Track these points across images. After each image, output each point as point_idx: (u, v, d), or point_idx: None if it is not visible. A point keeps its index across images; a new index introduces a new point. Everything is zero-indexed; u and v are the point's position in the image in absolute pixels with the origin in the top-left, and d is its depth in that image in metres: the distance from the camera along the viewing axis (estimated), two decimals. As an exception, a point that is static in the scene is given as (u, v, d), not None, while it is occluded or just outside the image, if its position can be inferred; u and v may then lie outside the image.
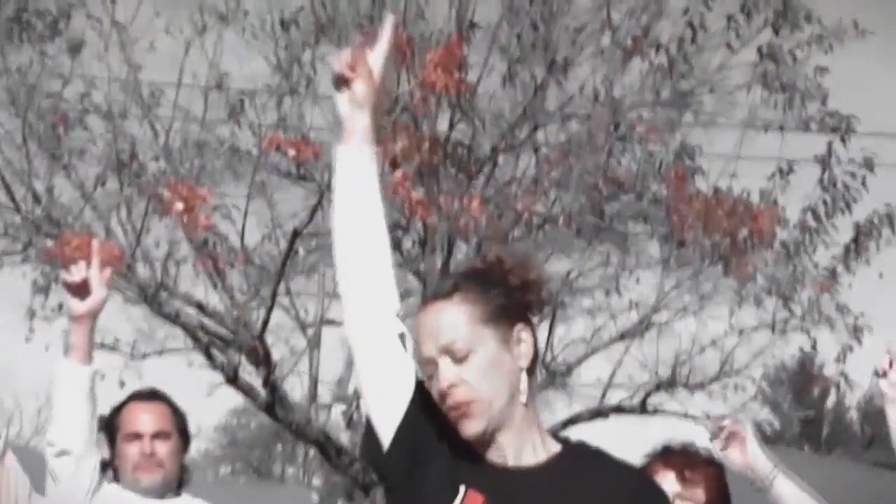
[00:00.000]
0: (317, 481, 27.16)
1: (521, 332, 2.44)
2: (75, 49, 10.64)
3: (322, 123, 11.11)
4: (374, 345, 2.39)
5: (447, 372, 2.37)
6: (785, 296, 10.96)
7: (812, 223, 10.91)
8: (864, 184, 11.06)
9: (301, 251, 11.20)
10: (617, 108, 10.73)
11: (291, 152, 10.92)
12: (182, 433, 3.81)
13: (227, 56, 11.18)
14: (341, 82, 2.42)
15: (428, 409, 2.40)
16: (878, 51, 10.81)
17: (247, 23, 11.15)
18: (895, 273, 11.25)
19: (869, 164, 11.01)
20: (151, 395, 3.85)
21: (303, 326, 11.73)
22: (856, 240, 11.18)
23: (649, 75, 10.60)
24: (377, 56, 2.46)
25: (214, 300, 10.93)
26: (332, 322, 11.42)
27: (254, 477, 31.87)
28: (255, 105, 11.16)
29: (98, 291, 3.44)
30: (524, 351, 2.44)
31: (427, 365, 2.41)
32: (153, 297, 10.75)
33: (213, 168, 11.23)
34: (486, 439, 2.39)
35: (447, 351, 2.38)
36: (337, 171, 2.44)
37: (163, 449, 3.72)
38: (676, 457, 3.36)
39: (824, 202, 10.89)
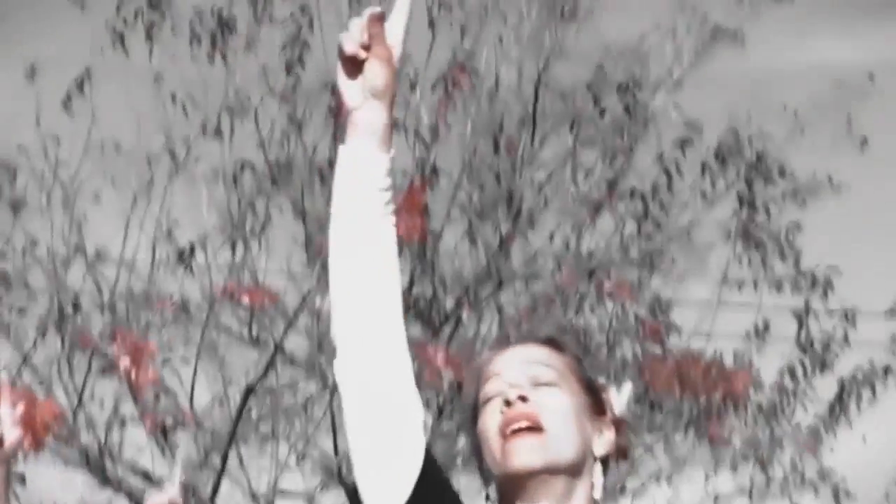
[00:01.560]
0: None
1: (605, 428, 2.11)
2: (18, 208, 10.34)
3: (277, 272, 10.78)
4: (381, 426, 1.99)
5: (524, 384, 2.04)
6: (763, 460, 10.62)
7: (790, 385, 10.63)
8: (845, 339, 10.82)
9: (254, 413, 10.79)
10: (585, 265, 10.46)
11: (245, 300, 10.58)
12: None
13: (176, 203, 10.86)
14: (352, 64, 2.00)
15: (439, 483, 2.04)
16: (853, 204, 10.66)
17: (198, 170, 10.82)
18: (878, 436, 10.95)
19: (850, 320, 10.79)
20: None
21: (254, 497, 11.25)
22: (839, 397, 10.89)
23: (616, 233, 10.36)
24: (396, 30, 2.04)
25: (161, 468, 10.48)
26: (285, 492, 10.96)
27: None
28: (207, 253, 10.83)
29: (10, 433, 3.21)
30: (603, 441, 2.09)
31: (495, 397, 2.06)
32: (96, 464, 10.33)
33: (161, 322, 10.86)
34: (527, 494, 2.00)
35: (531, 378, 2.06)
36: (338, 183, 2.04)
37: None
38: None
39: (801, 363, 10.63)
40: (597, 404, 2.09)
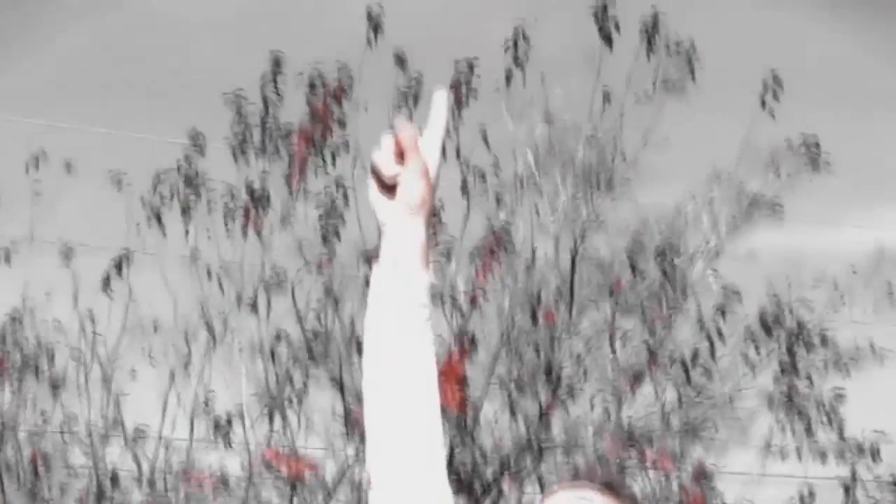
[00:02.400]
0: None
1: None
2: (57, 386, 10.46)
3: (315, 445, 10.80)
4: None
5: None
6: None
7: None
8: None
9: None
10: (626, 434, 10.43)
11: (283, 473, 10.61)
12: None
13: (214, 377, 10.94)
14: (385, 180, 1.89)
15: None
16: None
17: (234, 343, 10.88)
18: None
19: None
20: None
21: None
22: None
23: (657, 401, 10.33)
24: (432, 143, 1.93)
25: None
26: None
27: None
28: (245, 426, 10.85)
29: None
30: None
31: None
32: None
33: (201, 496, 10.91)
34: None
35: None
36: (372, 304, 1.91)
37: None
38: None
39: (850, 535, 10.53)
40: None
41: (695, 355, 10.60)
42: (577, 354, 10.71)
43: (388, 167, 1.88)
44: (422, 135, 1.92)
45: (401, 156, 1.89)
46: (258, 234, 10.76)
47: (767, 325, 10.51)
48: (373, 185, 1.91)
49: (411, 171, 1.88)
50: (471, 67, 10.68)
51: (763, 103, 10.50)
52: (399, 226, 1.88)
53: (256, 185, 10.75)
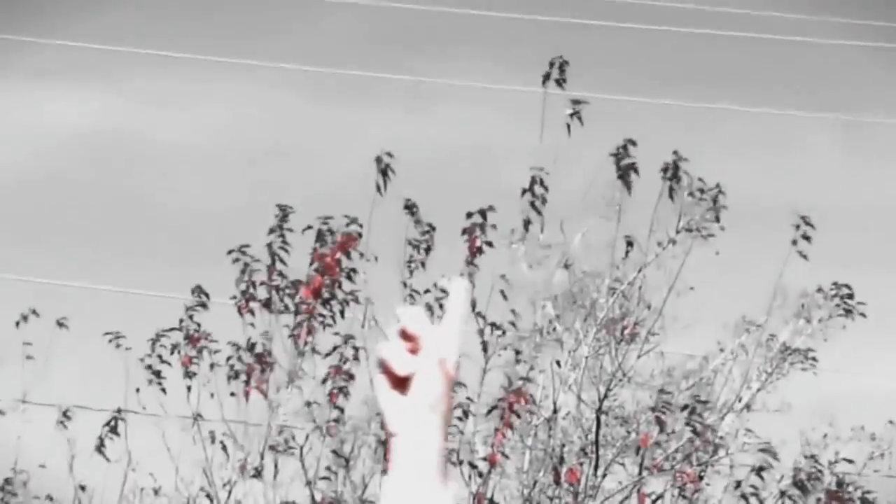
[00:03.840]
0: None
1: None
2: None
3: None
4: None
5: None
6: None
7: None
8: None
9: None
10: None
11: None
12: None
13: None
14: (397, 377, 1.65)
15: None
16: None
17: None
18: None
19: None
20: None
21: None
22: None
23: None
24: (450, 331, 1.68)
25: None
26: None
27: None
28: None
29: None
30: None
31: None
32: None
33: None
34: None
35: None
36: None
37: None
38: None
39: None
40: None
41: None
42: (603, 515, 10.25)
43: (400, 363, 1.65)
44: (433, 321, 1.69)
45: (413, 349, 1.66)
46: (264, 394, 10.37)
47: (804, 484, 10.06)
48: (382, 385, 1.67)
49: (426, 365, 1.65)
50: (484, 215, 10.39)
51: (794, 242, 10.22)
52: (413, 434, 1.65)
53: (262, 343, 10.40)
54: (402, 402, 1.65)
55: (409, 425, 1.64)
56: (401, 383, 1.65)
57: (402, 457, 1.64)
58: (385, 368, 1.66)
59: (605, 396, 10.36)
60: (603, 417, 10.35)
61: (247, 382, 10.39)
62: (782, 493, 10.15)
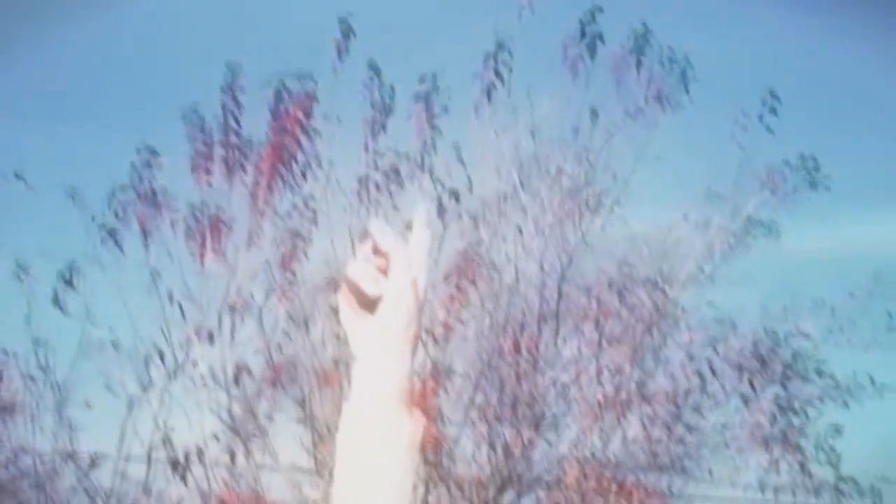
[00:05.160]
0: None
1: None
2: (7, 412, 10.06)
3: (280, 486, 10.40)
4: None
5: None
6: None
7: None
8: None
9: None
10: (612, 471, 10.13)
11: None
12: None
13: (173, 410, 10.53)
14: (363, 299, 1.60)
15: None
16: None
17: (196, 373, 10.49)
18: None
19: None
20: None
21: None
22: None
23: (645, 437, 10.04)
24: (417, 257, 1.63)
25: None
26: None
27: None
28: (205, 462, 10.44)
29: None
30: None
31: None
32: None
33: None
34: None
35: None
36: (343, 464, 1.63)
37: None
38: None
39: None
40: None
41: (687, 391, 10.30)
42: (561, 385, 10.38)
43: (369, 283, 1.59)
44: (405, 239, 1.62)
45: (382, 268, 1.60)
46: (220, 255, 10.37)
47: (762, 357, 10.22)
48: (347, 304, 1.64)
49: (396, 286, 1.58)
50: (435, 81, 10.36)
51: (760, 117, 10.25)
52: (378, 358, 1.59)
53: (219, 204, 10.38)
54: (369, 325, 1.60)
55: (374, 350, 1.60)
56: (368, 305, 1.60)
57: (365, 383, 1.59)
58: (352, 288, 1.60)
59: (568, 265, 10.43)
60: (565, 287, 10.43)
61: (203, 244, 10.39)
62: (740, 367, 10.32)
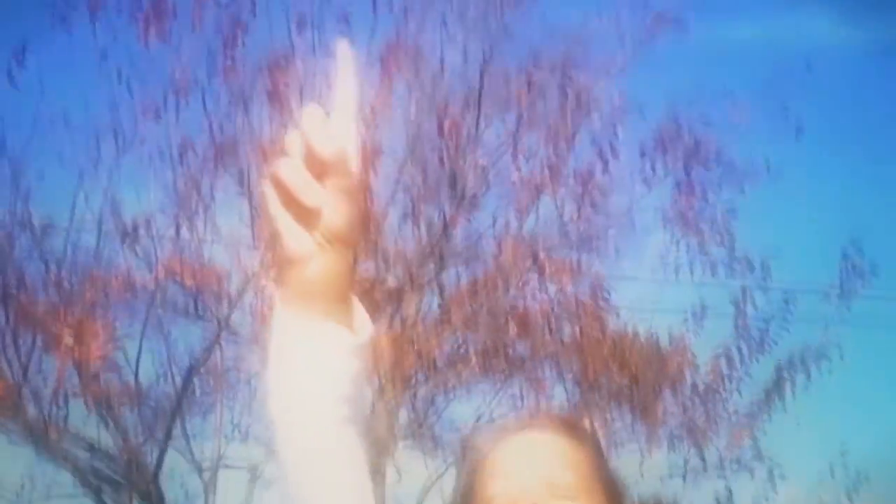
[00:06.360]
0: None
1: None
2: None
3: (221, 255, 11.22)
4: None
5: (539, 496, 1.82)
6: (699, 442, 11.16)
7: (726, 369, 11.14)
8: (782, 323, 11.32)
9: (198, 390, 11.30)
10: (527, 247, 10.95)
11: (189, 281, 11.02)
12: None
13: (122, 184, 11.29)
14: (294, 198, 1.43)
15: None
16: (789, 190, 11.19)
17: (144, 150, 11.24)
18: (813, 419, 11.51)
19: (786, 303, 11.31)
20: None
21: (199, 469, 11.80)
22: (775, 381, 11.38)
23: (557, 216, 10.87)
24: (344, 113, 1.45)
25: (107, 441, 11.00)
26: (229, 465, 11.52)
27: None
28: (152, 233, 11.22)
29: None
30: None
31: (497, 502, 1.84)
32: (41, 437, 10.76)
33: (107, 302, 11.27)
34: None
35: (548, 486, 1.83)
36: (275, 374, 1.54)
37: None
38: None
39: (738, 348, 11.14)
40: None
41: (592, 172, 11.08)
42: (481, 166, 11.16)
43: (305, 190, 1.42)
44: (333, 113, 1.46)
45: (317, 170, 1.43)
46: (164, 39, 11.04)
47: (664, 141, 11.00)
48: (278, 205, 1.45)
49: (335, 192, 1.43)
50: None
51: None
52: (314, 260, 1.45)
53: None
54: (305, 232, 1.45)
55: (307, 254, 1.45)
56: (303, 212, 1.43)
57: (300, 287, 1.47)
58: (282, 191, 1.43)
59: (490, 54, 11.17)
60: (486, 75, 11.17)
61: (147, 27, 11.04)
62: (643, 153, 11.13)
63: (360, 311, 1.52)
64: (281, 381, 1.53)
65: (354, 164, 1.44)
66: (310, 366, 1.50)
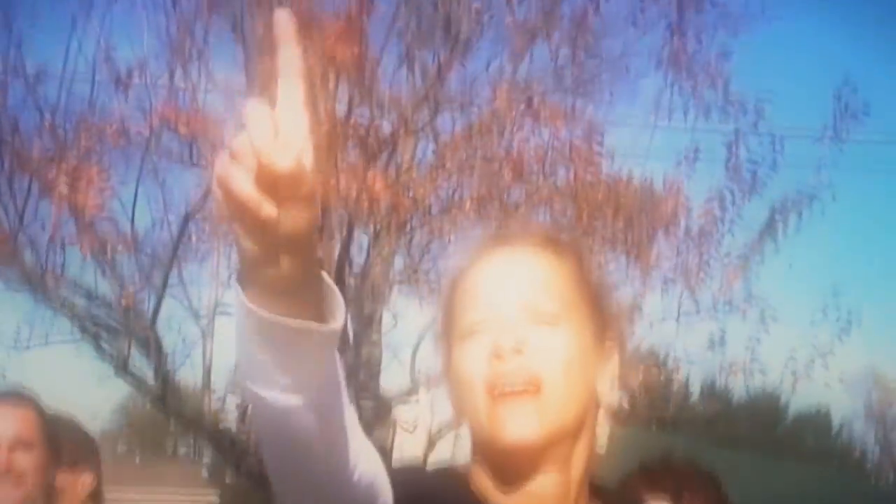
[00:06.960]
0: (206, 458, 28.02)
1: (612, 350, 1.82)
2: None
3: (216, 101, 11.26)
4: None
5: (520, 329, 1.73)
6: (691, 285, 11.33)
7: (718, 211, 11.28)
8: (774, 166, 11.42)
9: (194, 237, 11.41)
10: (521, 92, 11.02)
11: (183, 129, 11.07)
12: (51, 444, 3.32)
13: (115, 30, 11.30)
14: (239, 206, 1.35)
15: None
16: (783, 33, 11.26)
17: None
18: (805, 261, 11.71)
19: (779, 146, 11.41)
20: (12, 397, 3.38)
21: (196, 315, 11.99)
22: (767, 223, 11.50)
23: (552, 61, 10.93)
24: (289, 94, 1.35)
25: (104, 288, 11.13)
26: (226, 311, 11.68)
27: (148, 454, 32.61)
28: (145, 80, 11.25)
29: None
30: (610, 376, 1.80)
31: (482, 335, 1.75)
32: (39, 284, 10.88)
33: (102, 149, 11.33)
34: (516, 464, 1.73)
35: (530, 311, 1.75)
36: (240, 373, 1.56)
37: (23, 461, 3.23)
38: (669, 475, 2.92)
39: (731, 190, 11.26)
40: (602, 323, 1.80)
41: (585, 15, 11.09)
42: (475, 10, 11.16)
43: (257, 203, 1.34)
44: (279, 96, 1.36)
45: (269, 182, 1.33)
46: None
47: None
48: (231, 207, 1.37)
49: (290, 201, 1.35)
50: None
51: None
52: (275, 263, 1.39)
53: None
54: (258, 234, 1.37)
55: (270, 254, 1.39)
56: (259, 223, 1.35)
57: (264, 287, 1.45)
58: (232, 202, 1.35)
59: None
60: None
61: None
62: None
63: (331, 291, 1.47)
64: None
65: (309, 168, 1.34)
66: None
